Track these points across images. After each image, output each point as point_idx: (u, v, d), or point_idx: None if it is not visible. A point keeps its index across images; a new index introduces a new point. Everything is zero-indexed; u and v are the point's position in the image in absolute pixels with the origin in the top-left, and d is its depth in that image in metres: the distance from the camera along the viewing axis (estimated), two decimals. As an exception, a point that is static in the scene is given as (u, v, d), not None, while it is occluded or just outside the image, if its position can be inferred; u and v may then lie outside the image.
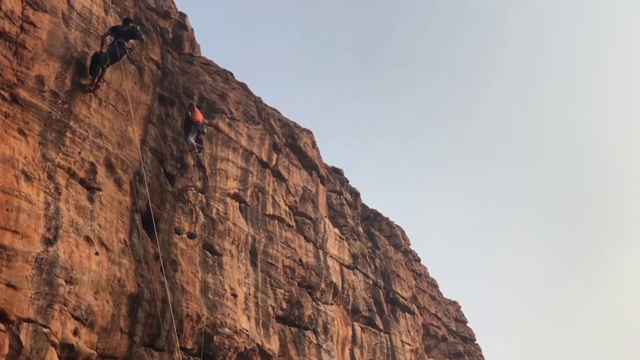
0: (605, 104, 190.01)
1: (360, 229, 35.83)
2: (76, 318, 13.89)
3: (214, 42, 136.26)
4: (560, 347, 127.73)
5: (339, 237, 31.52)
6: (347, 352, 29.29)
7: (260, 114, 26.53)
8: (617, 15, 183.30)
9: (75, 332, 13.90)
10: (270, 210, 25.01)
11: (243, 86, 26.79)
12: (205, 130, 20.99)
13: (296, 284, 25.39)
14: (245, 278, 22.09)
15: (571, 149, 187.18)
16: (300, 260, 26.10)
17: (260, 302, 22.57)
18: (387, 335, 33.13)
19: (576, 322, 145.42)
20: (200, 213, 20.57)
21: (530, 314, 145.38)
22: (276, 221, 25.31)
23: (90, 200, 15.24)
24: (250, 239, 23.03)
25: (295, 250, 25.97)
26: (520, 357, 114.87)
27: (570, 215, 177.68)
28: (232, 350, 19.88)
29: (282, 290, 24.13)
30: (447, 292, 68.29)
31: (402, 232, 42.46)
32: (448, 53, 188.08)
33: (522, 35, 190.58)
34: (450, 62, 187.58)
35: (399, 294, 36.15)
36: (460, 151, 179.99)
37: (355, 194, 38.23)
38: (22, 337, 12.44)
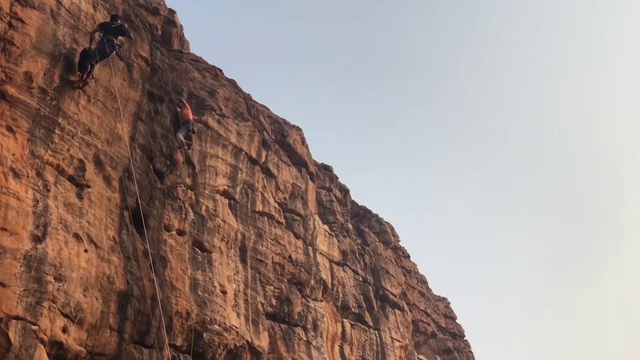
0: (602, 103, 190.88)
1: (350, 226, 35.88)
2: (65, 315, 13.86)
3: (203, 39, 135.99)
4: (552, 344, 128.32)
5: (329, 233, 31.56)
6: (336, 348, 29.33)
7: (249, 110, 26.53)
8: (617, 16, 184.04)
9: (64, 330, 13.87)
10: (259, 207, 25.01)
11: (232, 83, 26.77)
12: (195, 129, 20.99)
13: (286, 280, 25.41)
14: (234, 275, 22.09)
15: (568, 147, 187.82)
16: (290, 257, 26.12)
17: (249, 299, 22.58)
18: (376, 331, 33.19)
19: (569, 319, 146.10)
20: (190, 210, 20.55)
21: (521, 311, 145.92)
22: (266, 218, 25.32)
23: (79, 197, 15.21)
24: (239, 236, 23.03)
25: (285, 247, 25.99)
26: (510, 354, 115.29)
27: (565, 212, 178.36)
28: (221, 347, 19.88)
29: (271, 287, 24.15)
30: (437, 288, 68.50)
31: (392, 228, 42.56)
32: (439, 45, 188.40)
33: (520, 33, 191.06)
34: (441, 54, 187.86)
35: (388, 290, 36.24)
36: (456, 149, 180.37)
37: (345, 191, 38.26)
38: (11, 335, 12.41)
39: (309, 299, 27.14)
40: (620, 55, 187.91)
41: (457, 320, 49.72)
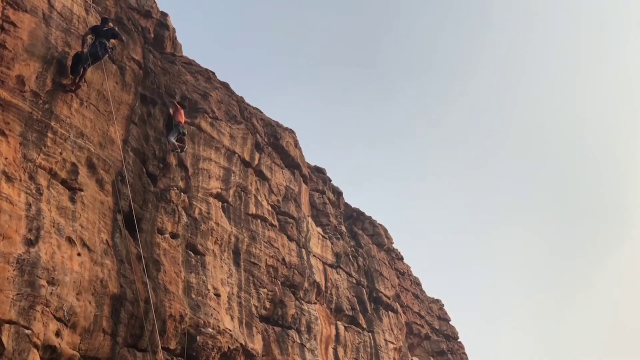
0: (602, 100, 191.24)
1: (343, 228, 35.90)
2: (58, 319, 13.83)
3: (196, 42, 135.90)
4: (547, 345, 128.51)
5: (322, 236, 31.57)
6: (330, 351, 29.34)
7: (242, 113, 26.52)
8: (617, 12, 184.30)
9: (58, 334, 13.84)
10: (253, 209, 25.01)
11: (225, 86, 26.77)
12: (186, 132, 20.95)
13: (279, 283, 25.40)
14: (228, 278, 22.08)
15: (565, 145, 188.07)
16: (284, 259, 26.11)
17: (243, 302, 22.57)
18: (370, 334, 33.21)
19: (564, 320, 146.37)
20: (183, 213, 20.54)
21: (516, 313, 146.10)
22: (259, 220, 25.31)
23: (72, 200, 15.18)
24: (233, 239, 23.02)
25: (278, 249, 25.99)
26: (504, 356, 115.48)
27: (562, 211, 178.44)
28: (215, 350, 19.86)
29: (265, 290, 24.14)
30: (430, 290, 68.56)
31: (385, 230, 42.58)
32: (437, 54, 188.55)
33: (519, 31, 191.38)
34: (439, 60, 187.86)
35: (382, 292, 36.26)
36: (453, 147, 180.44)
37: (338, 193, 38.29)
38: (4, 339, 12.37)
39: (303, 302, 27.14)
40: (623, 55, 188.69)
41: (450, 322, 49.78)
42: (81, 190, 15.55)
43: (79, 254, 14.76)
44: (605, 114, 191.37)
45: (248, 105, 28.20)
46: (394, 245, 43.90)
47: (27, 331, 12.89)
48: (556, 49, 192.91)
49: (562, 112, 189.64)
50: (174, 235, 19.85)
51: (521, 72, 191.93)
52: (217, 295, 20.89)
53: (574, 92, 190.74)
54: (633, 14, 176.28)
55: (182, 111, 20.93)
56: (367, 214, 41.73)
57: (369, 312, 34.10)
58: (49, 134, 14.73)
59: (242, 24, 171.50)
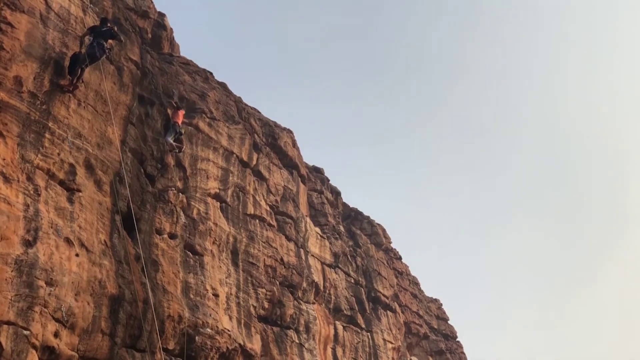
0: (603, 101, 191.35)
1: (342, 228, 35.90)
2: (57, 320, 13.81)
3: (194, 42, 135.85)
4: (545, 345, 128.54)
5: (320, 236, 31.56)
6: (329, 351, 29.33)
7: (240, 113, 26.53)
8: (618, 15, 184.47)
9: (56, 334, 13.82)
10: (251, 209, 25.00)
11: (223, 86, 26.77)
12: (182, 131, 20.95)
13: (278, 283, 25.39)
14: (226, 278, 22.06)
15: (569, 146, 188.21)
16: (282, 259, 26.11)
17: (241, 302, 22.55)
18: (369, 333, 33.22)
19: (562, 319, 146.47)
20: (181, 213, 20.53)
21: (514, 312, 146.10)
22: (257, 221, 25.31)
23: (70, 201, 15.17)
24: (231, 239, 23.01)
25: (277, 249, 25.98)
26: (502, 355, 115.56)
27: (564, 211, 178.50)
28: (214, 350, 19.85)
29: (263, 290, 24.13)
30: (429, 289, 68.58)
31: (383, 230, 42.58)
32: (432, 53, 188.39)
33: (518, 32, 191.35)
34: (437, 60, 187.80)
35: (380, 292, 36.27)
36: (453, 147, 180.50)
37: (336, 193, 38.30)
38: (3, 340, 12.35)
39: (301, 302, 27.13)
40: (624, 54, 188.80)
41: (449, 322, 49.81)
42: (79, 191, 15.54)
43: (77, 255, 14.74)
44: (605, 113, 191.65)
45: (246, 105, 28.21)
46: (392, 245, 43.95)
47: (25, 332, 12.87)
48: (554, 46, 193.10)
49: (562, 111, 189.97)
50: (172, 236, 19.84)
51: (521, 71, 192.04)
52: (216, 295, 20.88)
53: (574, 90, 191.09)
54: (633, 12, 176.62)
55: (180, 111, 20.94)
56: (365, 213, 41.81)
57: (368, 311, 34.10)
58: (47, 135, 14.72)
59: (240, 24, 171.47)
